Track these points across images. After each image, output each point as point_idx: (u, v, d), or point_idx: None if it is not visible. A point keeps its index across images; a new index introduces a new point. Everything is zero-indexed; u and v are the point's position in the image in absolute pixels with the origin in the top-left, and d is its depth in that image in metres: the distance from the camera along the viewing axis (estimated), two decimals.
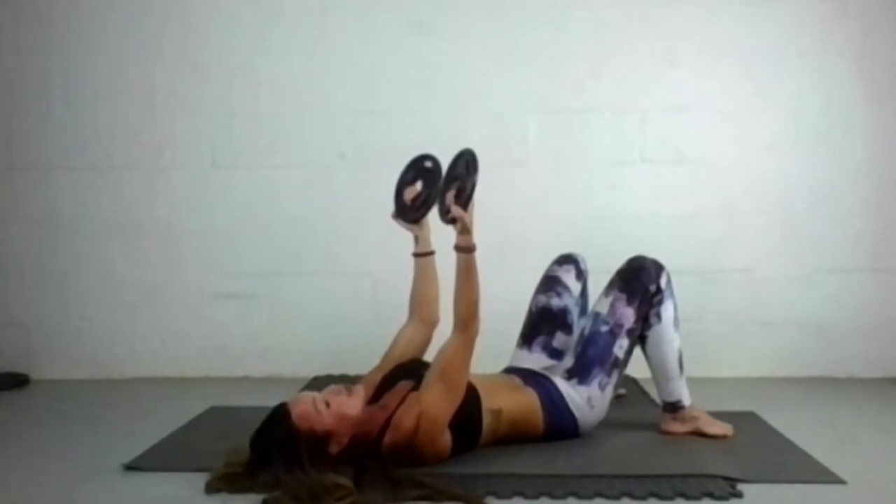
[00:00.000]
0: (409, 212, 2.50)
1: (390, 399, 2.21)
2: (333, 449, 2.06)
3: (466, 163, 2.21)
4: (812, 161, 3.43)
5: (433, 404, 2.11)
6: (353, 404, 2.13)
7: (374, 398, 2.25)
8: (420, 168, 2.52)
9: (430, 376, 2.15)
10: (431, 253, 2.55)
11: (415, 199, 2.49)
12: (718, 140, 3.44)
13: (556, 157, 3.46)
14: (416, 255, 2.56)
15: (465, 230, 2.14)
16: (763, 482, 2.08)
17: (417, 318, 2.53)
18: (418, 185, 2.50)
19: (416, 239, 2.55)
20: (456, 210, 2.14)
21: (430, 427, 2.11)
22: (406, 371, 2.33)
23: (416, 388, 2.19)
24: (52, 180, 3.51)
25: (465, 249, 2.15)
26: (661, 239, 3.35)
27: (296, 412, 2.05)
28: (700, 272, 3.42)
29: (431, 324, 2.54)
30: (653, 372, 2.50)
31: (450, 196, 2.19)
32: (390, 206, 3.42)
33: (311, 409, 2.06)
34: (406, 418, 2.09)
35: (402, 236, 3.43)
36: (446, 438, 2.17)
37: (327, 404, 2.08)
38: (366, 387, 2.29)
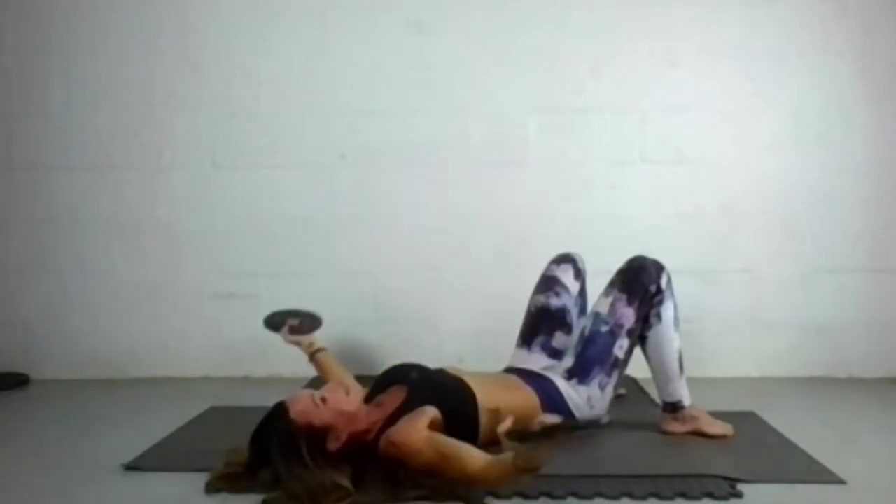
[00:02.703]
0: (302, 330, 2.82)
1: (386, 400, 2.21)
2: (332, 445, 2.06)
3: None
4: (812, 161, 3.43)
5: (424, 459, 2.02)
6: (350, 401, 2.14)
7: (367, 400, 2.26)
8: (292, 312, 2.86)
9: (444, 445, 2.02)
10: (324, 349, 2.77)
11: (300, 324, 2.82)
12: (718, 140, 3.44)
13: (556, 157, 3.46)
14: (315, 353, 2.77)
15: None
16: (763, 482, 2.08)
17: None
18: (295, 319, 2.83)
19: (309, 345, 2.78)
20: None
21: (420, 466, 2.04)
22: (397, 375, 2.35)
23: (410, 393, 2.20)
24: (52, 180, 3.51)
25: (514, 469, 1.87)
26: (661, 239, 3.35)
27: (294, 409, 2.05)
28: (700, 272, 3.42)
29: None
30: (653, 372, 2.51)
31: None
32: (390, 206, 3.47)
33: (310, 405, 2.06)
34: (407, 449, 2.03)
35: (403, 237, 3.46)
36: None
37: (325, 400, 2.09)
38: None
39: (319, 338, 2.81)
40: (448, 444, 2.02)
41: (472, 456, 1.96)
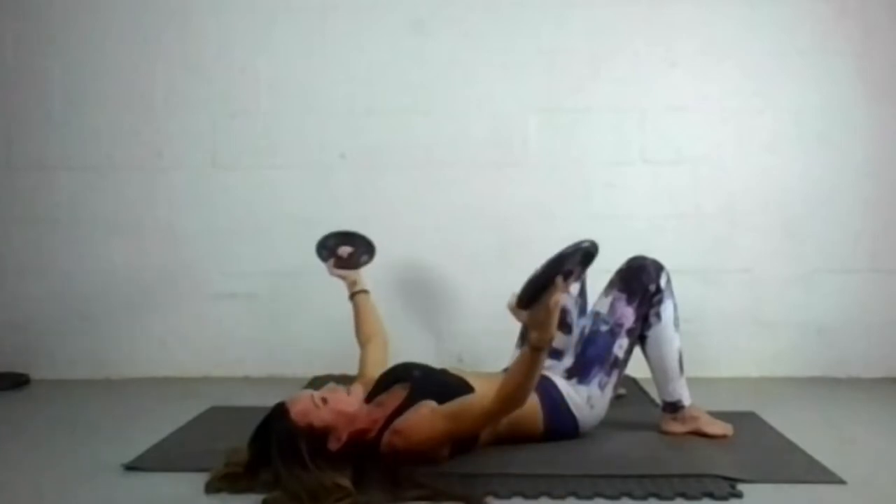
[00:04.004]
0: (349, 264, 2.79)
1: (387, 399, 2.22)
2: (333, 445, 2.06)
3: (584, 255, 2.07)
4: (812, 161, 3.43)
5: (436, 432, 2.11)
6: (351, 401, 2.14)
7: (368, 400, 2.26)
8: (351, 235, 2.86)
9: (448, 408, 2.13)
10: (367, 291, 2.77)
11: (350, 255, 2.80)
12: (718, 140, 3.44)
13: (555, 157, 3.46)
14: (356, 294, 2.76)
15: (543, 329, 2.01)
16: (763, 482, 2.08)
17: (372, 343, 2.66)
18: (349, 247, 2.82)
19: (353, 283, 2.78)
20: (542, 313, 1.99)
21: (431, 446, 2.13)
22: (398, 374, 2.35)
23: (412, 391, 2.20)
24: (52, 180, 3.51)
25: (534, 348, 2.04)
26: (661, 239, 3.36)
27: (295, 409, 2.05)
28: (700, 272, 3.42)
29: (385, 341, 2.68)
30: (653, 372, 2.51)
31: (559, 282, 1.99)
32: (390, 206, 3.47)
33: (310, 405, 2.07)
34: (415, 431, 2.10)
35: (402, 237, 3.45)
36: (445, 447, 2.18)
37: (325, 401, 2.09)
38: (362, 385, 2.30)
39: (365, 277, 2.82)
40: (450, 405, 2.10)
41: (478, 396, 2.05)
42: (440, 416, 2.11)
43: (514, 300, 2.04)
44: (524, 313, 2.04)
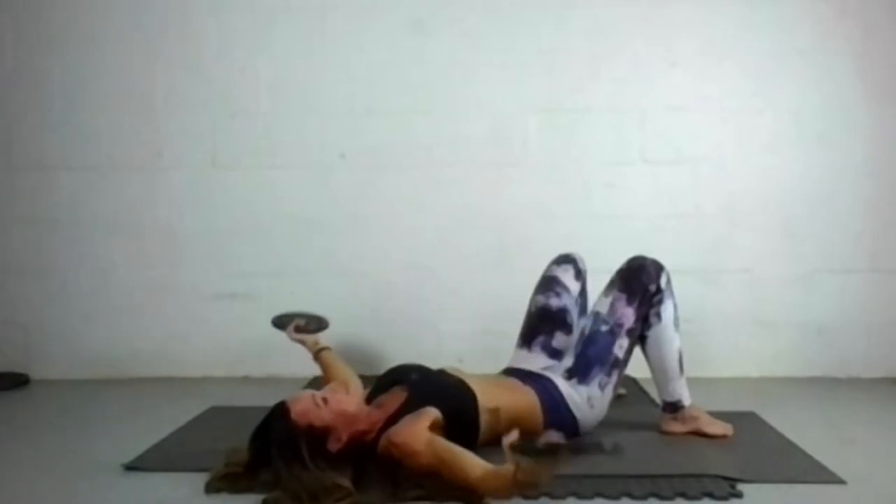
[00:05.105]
0: (307, 331, 2.85)
1: (386, 401, 2.21)
2: (333, 446, 2.06)
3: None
4: (812, 161, 3.43)
5: (424, 461, 2.02)
6: (351, 402, 2.14)
7: (368, 401, 2.26)
8: (300, 314, 2.90)
9: (444, 450, 2.02)
10: (328, 348, 2.79)
11: (307, 324, 2.86)
12: (718, 140, 3.44)
13: (556, 157, 3.46)
14: (319, 352, 2.78)
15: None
16: (763, 482, 2.08)
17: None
18: (301, 320, 2.87)
19: (314, 344, 2.80)
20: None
21: (420, 468, 2.04)
22: (397, 376, 2.35)
23: (411, 394, 2.20)
24: (52, 180, 3.51)
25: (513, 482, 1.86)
26: (661, 239, 3.36)
27: (295, 409, 2.05)
28: (700, 272, 3.42)
29: (358, 383, 2.61)
30: (653, 372, 2.51)
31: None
32: (390, 206, 3.47)
33: (311, 405, 2.06)
34: (408, 450, 2.03)
35: (402, 237, 3.45)
36: None
37: (326, 401, 2.09)
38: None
39: (324, 338, 2.82)
40: (448, 448, 2.01)
41: (472, 464, 1.94)
42: (433, 451, 2.01)
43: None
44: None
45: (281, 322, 2.89)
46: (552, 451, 1.79)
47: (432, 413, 2.12)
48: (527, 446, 1.81)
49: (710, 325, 3.39)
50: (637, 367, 2.57)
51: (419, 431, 2.05)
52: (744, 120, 3.44)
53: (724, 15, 3.42)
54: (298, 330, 2.85)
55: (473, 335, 3.43)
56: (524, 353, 2.64)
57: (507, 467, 1.84)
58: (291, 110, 3.49)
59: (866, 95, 3.40)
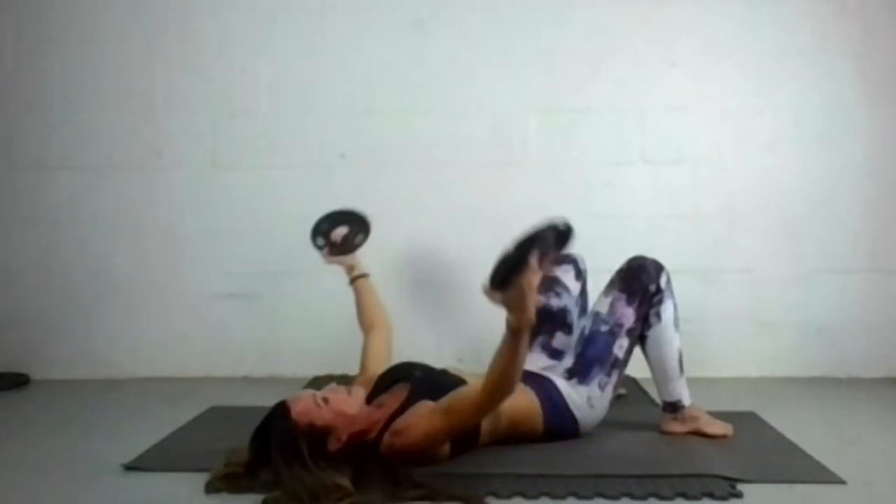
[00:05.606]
0: (345, 248, 2.73)
1: (387, 400, 2.22)
2: (333, 446, 2.06)
3: (559, 236, 2.02)
4: (812, 161, 3.43)
5: (434, 430, 2.11)
6: (351, 402, 2.15)
7: (368, 400, 2.26)
8: (343, 214, 2.79)
9: (442, 403, 2.13)
10: (366, 275, 2.74)
11: (345, 238, 2.73)
12: (718, 140, 3.44)
13: (556, 157, 3.46)
14: (355, 279, 2.73)
15: (520, 311, 1.93)
16: (763, 482, 2.08)
17: (374, 332, 2.63)
18: (343, 228, 2.74)
19: (350, 269, 2.73)
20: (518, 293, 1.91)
21: (430, 444, 2.13)
22: (398, 374, 2.35)
23: (412, 391, 2.20)
24: (52, 180, 3.51)
25: (512, 331, 1.98)
26: (661, 239, 3.36)
27: (296, 409, 2.05)
28: (700, 272, 3.42)
29: (388, 329, 2.65)
30: (653, 372, 2.51)
31: (533, 263, 1.93)
32: (390, 206, 3.47)
33: (311, 405, 2.07)
34: (414, 431, 2.10)
35: (402, 237, 3.45)
36: (445, 446, 2.18)
37: (326, 401, 2.09)
38: (364, 385, 2.30)
39: (363, 262, 2.78)
40: (443, 400, 2.11)
41: (470, 388, 2.08)
42: (436, 413, 2.11)
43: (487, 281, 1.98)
44: (499, 295, 1.95)
45: (317, 240, 2.70)
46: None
47: (428, 403, 2.15)
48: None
49: (710, 325, 3.39)
50: (637, 367, 2.57)
51: (418, 413, 2.12)
52: (744, 120, 3.44)
53: (724, 15, 3.42)
54: (335, 250, 2.73)
55: (473, 335, 3.43)
56: None
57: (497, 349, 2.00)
58: (291, 110, 3.49)
59: (866, 95, 3.40)
